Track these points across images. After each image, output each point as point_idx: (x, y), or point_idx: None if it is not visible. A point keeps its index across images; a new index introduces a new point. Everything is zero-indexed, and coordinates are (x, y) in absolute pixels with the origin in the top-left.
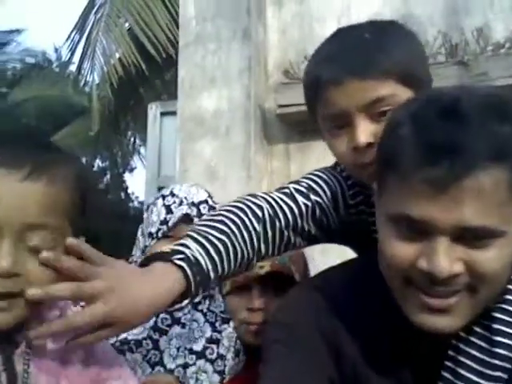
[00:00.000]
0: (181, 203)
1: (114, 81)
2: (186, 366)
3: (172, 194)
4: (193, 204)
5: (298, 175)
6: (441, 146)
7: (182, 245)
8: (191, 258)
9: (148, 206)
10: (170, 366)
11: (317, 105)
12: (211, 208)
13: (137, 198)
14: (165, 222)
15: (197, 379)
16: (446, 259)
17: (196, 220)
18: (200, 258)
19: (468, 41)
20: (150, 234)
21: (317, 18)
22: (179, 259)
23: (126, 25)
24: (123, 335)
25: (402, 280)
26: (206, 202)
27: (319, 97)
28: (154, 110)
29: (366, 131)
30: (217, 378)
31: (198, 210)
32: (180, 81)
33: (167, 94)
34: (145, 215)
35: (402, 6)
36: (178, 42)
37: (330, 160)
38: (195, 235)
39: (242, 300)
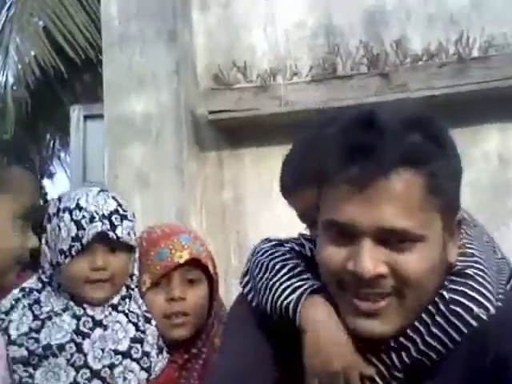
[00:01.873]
0: (92, 219)
1: (31, 81)
2: (112, 366)
3: (79, 208)
4: (104, 217)
5: (231, 182)
6: (357, 150)
7: None
8: None
9: (49, 217)
10: (96, 367)
11: None
12: (123, 217)
13: None
14: (77, 239)
15: (124, 378)
16: (370, 260)
17: (112, 235)
18: None
19: (387, 52)
20: (62, 252)
21: (242, 24)
22: None
23: (41, 23)
24: (45, 341)
25: (337, 285)
26: (116, 211)
27: None
28: (76, 112)
29: None
30: (144, 374)
31: (111, 222)
32: (106, 82)
33: (87, 97)
34: (48, 227)
35: (325, 15)
36: (97, 44)
37: (263, 166)
38: None
39: (161, 292)
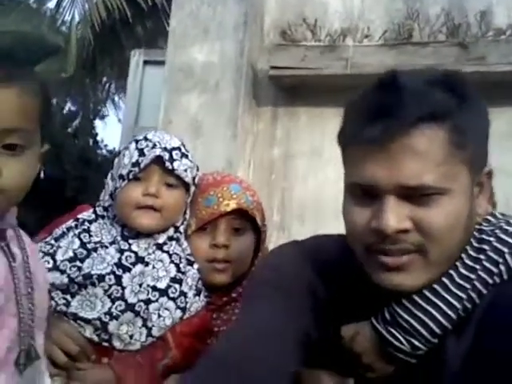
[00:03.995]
0: (154, 146)
1: (96, 23)
2: (148, 302)
3: (145, 139)
4: (165, 149)
5: (283, 139)
6: (377, 110)
7: None
8: None
9: (119, 152)
10: (132, 300)
11: None
12: (183, 155)
13: (106, 146)
14: (137, 164)
15: (159, 315)
16: (393, 216)
17: (168, 164)
18: None
19: (470, 23)
20: (121, 176)
21: None
22: None
23: None
24: (86, 270)
25: (363, 245)
26: (178, 148)
27: None
28: (136, 57)
29: None
30: (179, 313)
31: (171, 155)
32: (171, 30)
33: (148, 42)
34: (116, 160)
35: None
36: None
37: (316, 127)
38: None
39: (206, 238)
